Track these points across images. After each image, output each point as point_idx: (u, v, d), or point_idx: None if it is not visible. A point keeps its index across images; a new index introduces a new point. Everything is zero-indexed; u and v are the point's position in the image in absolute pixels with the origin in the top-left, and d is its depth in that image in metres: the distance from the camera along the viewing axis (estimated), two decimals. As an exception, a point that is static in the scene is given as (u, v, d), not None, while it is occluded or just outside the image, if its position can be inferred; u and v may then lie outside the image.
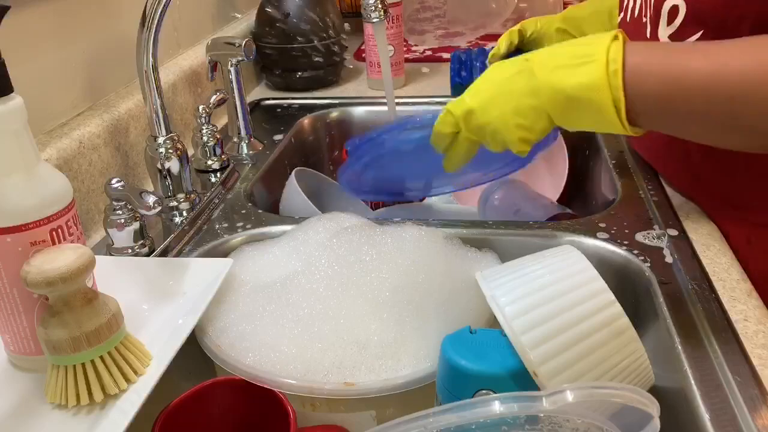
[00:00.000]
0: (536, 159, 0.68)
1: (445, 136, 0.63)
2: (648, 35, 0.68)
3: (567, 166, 0.94)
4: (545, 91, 0.57)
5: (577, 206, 0.95)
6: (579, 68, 0.55)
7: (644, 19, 0.68)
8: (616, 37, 0.55)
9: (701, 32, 0.61)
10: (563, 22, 0.91)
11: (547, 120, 0.58)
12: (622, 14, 0.76)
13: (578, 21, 0.91)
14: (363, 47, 1.26)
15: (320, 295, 0.59)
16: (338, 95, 1.16)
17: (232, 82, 0.93)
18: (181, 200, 0.78)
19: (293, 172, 0.87)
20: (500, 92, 0.59)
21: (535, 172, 0.94)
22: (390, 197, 0.87)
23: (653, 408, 0.39)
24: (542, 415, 0.39)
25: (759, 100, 0.52)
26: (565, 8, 1.52)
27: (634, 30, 0.71)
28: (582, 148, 0.98)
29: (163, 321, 0.57)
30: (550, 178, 0.97)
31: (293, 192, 0.84)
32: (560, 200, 0.91)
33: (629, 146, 0.86)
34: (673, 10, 0.63)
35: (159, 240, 0.72)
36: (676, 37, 0.63)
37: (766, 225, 0.66)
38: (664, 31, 0.65)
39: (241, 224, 0.75)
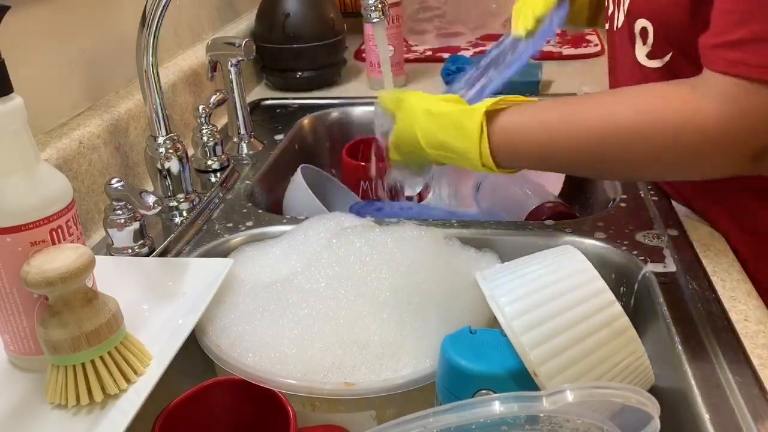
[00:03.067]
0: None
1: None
2: (630, 53, 0.69)
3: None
4: (422, 136, 0.67)
5: (577, 206, 0.95)
6: (460, 162, 0.65)
7: (626, 34, 0.70)
8: (481, 130, 0.62)
9: (671, 54, 0.63)
10: None
11: (426, 158, 0.69)
12: (608, 25, 0.77)
13: None
14: (363, 47, 1.26)
15: (320, 295, 0.59)
16: (338, 95, 1.16)
17: (232, 82, 0.93)
18: (181, 200, 0.78)
19: (299, 168, 0.87)
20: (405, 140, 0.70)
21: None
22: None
23: (653, 408, 0.39)
24: (542, 415, 0.39)
25: (616, 160, 0.59)
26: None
27: (619, 42, 0.73)
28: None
29: (163, 321, 0.57)
30: (548, 175, 0.97)
31: (299, 188, 0.84)
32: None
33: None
34: (643, 32, 0.65)
35: (159, 240, 0.72)
36: (653, 55, 0.65)
37: (765, 229, 0.66)
38: (641, 51, 0.67)
39: (241, 224, 0.75)
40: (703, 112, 0.53)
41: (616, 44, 0.75)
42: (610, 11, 0.75)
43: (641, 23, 0.65)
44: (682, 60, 0.62)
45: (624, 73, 0.74)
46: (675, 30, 0.61)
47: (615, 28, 0.74)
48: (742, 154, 0.54)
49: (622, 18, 0.70)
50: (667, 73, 0.64)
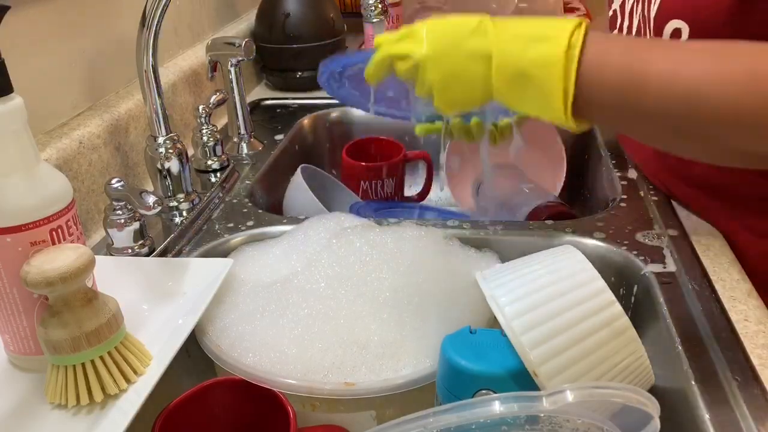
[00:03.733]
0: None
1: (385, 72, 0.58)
2: None
3: (565, 165, 0.95)
4: (497, 59, 0.53)
5: (577, 206, 0.95)
6: (538, 44, 0.52)
7: (648, 37, 0.67)
8: (579, 25, 0.52)
9: None
10: None
11: (487, 93, 0.54)
12: (615, 32, 0.74)
13: None
14: (363, 47, 1.26)
15: (320, 295, 0.59)
16: (338, 95, 1.16)
17: (232, 82, 0.93)
18: (181, 200, 0.78)
19: (299, 168, 0.87)
20: (449, 46, 0.54)
21: (533, 169, 0.94)
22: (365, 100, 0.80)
23: (653, 408, 0.39)
24: (542, 415, 0.39)
25: (712, 107, 0.49)
26: (565, 9, 1.53)
27: None
28: (582, 147, 0.98)
29: (163, 321, 0.57)
30: (548, 176, 0.97)
31: (299, 188, 0.84)
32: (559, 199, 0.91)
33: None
34: (675, 33, 0.61)
35: (159, 240, 0.72)
36: None
37: (765, 230, 0.66)
38: None
39: (241, 224, 0.75)
40: None
41: None
42: (617, 22, 0.73)
43: (674, 24, 0.61)
44: None
45: None
46: (713, 27, 0.58)
47: (629, 33, 0.71)
48: None
49: (636, 24, 0.68)
50: None
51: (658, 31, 0.63)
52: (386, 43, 0.57)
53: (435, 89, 0.55)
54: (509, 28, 0.53)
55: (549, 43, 0.52)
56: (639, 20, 0.69)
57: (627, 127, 0.58)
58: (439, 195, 1.06)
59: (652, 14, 0.65)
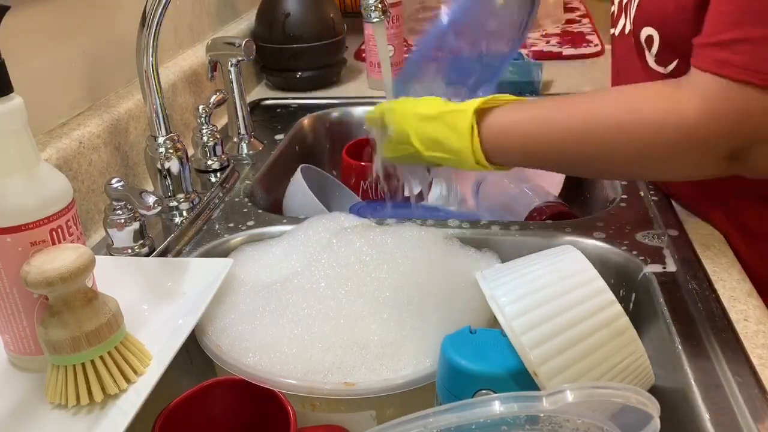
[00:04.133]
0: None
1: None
2: (638, 59, 0.69)
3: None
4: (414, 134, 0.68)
5: (577, 206, 0.95)
6: (455, 162, 0.66)
7: (632, 40, 0.69)
8: (471, 129, 0.63)
9: (677, 61, 0.63)
10: None
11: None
12: (617, 30, 0.76)
13: None
14: (363, 47, 1.26)
15: (320, 295, 0.59)
16: (338, 95, 1.16)
17: (232, 82, 0.93)
18: (181, 200, 0.78)
19: (299, 168, 0.87)
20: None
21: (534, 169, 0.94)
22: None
23: (653, 408, 0.39)
24: (542, 415, 0.39)
25: (596, 156, 0.60)
26: (565, 9, 1.53)
27: (625, 47, 0.72)
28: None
29: (163, 321, 0.57)
30: (548, 176, 0.97)
31: (299, 188, 0.84)
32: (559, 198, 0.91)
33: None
34: (649, 39, 0.65)
35: (159, 240, 0.72)
36: (659, 63, 0.65)
37: (765, 230, 0.66)
38: (650, 57, 0.66)
39: (241, 224, 0.75)
40: (684, 108, 0.54)
41: (622, 49, 0.74)
42: (620, 19, 0.75)
43: (647, 31, 0.65)
44: (686, 68, 0.62)
45: (630, 78, 0.73)
46: (680, 38, 0.60)
47: (620, 34, 0.74)
48: (719, 153, 0.55)
49: (628, 25, 0.70)
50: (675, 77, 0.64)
51: (636, 37, 0.67)
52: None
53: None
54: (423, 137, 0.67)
55: (454, 160, 0.66)
56: (628, 18, 0.70)
57: (540, 166, 0.70)
58: (439, 195, 1.06)
59: (631, 18, 0.68)
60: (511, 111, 0.65)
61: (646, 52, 0.66)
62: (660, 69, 0.66)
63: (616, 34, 0.75)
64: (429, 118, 0.67)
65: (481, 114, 0.64)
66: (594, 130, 0.59)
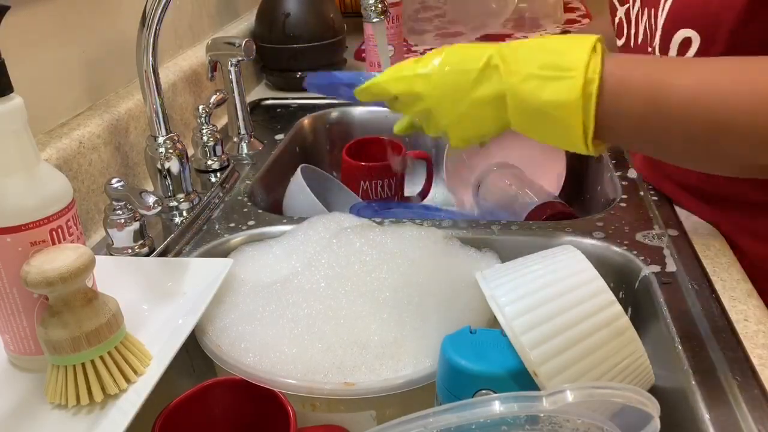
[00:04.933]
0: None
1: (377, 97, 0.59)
2: None
3: (565, 164, 0.95)
4: (512, 100, 0.52)
5: (577, 206, 0.95)
6: (553, 83, 0.50)
7: (649, 48, 0.65)
8: (594, 48, 0.51)
9: None
10: None
11: (503, 127, 0.54)
12: (623, 41, 0.73)
13: None
14: (363, 47, 1.26)
15: (320, 295, 0.59)
16: (338, 95, 1.16)
17: (232, 82, 0.93)
18: (181, 200, 0.78)
19: (299, 168, 0.87)
20: (459, 92, 0.54)
21: (533, 169, 0.94)
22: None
23: (653, 408, 0.39)
24: (542, 415, 0.39)
25: (740, 126, 0.49)
26: (565, 9, 1.53)
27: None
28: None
29: (163, 321, 0.57)
30: (548, 176, 0.97)
31: (299, 188, 0.84)
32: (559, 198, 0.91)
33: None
34: (685, 42, 0.59)
35: (159, 240, 0.72)
36: None
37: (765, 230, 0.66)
38: None
39: (241, 224, 0.75)
40: None
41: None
42: (624, 30, 0.71)
43: (683, 33, 0.59)
44: None
45: None
46: (725, 36, 0.56)
47: (632, 45, 0.69)
48: None
49: (642, 33, 0.65)
50: None
51: (666, 40, 0.61)
52: (391, 80, 0.57)
53: (449, 130, 0.56)
54: (521, 65, 0.52)
55: (565, 81, 0.50)
56: (645, 28, 0.67)
57: (649, 149, 0.58)
58: (439, 195, 1.06)
59: (660, 23, 0.62)
60: (632, 62, 0.52)
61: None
62: None
63: (631, 45, 0.70)
64: (520, 45, 0.53)
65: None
66: (744, 96, 0.48)
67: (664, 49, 0.62)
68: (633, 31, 0.70)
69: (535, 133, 0.54)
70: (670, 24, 0.61)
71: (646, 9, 0.66)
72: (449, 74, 0.54)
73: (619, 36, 0.74)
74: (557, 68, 0.51)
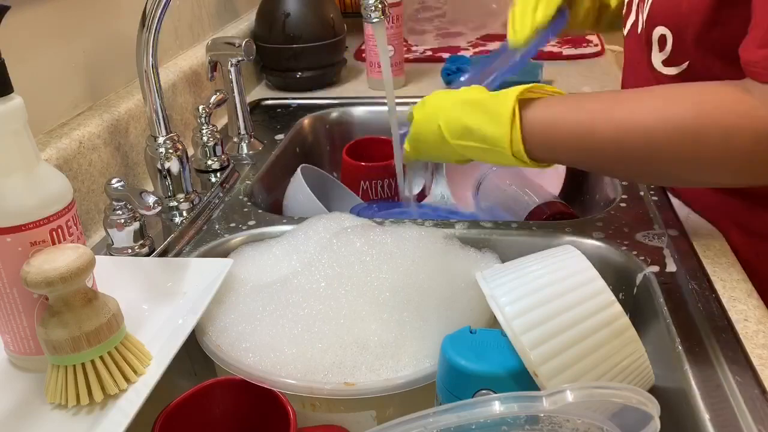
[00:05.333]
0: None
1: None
2: (645, 59, 0.67)
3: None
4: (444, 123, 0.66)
5: (577, 206, 0.95)
6: (486, 153, 0.63)
7: (643, 40, 0.68)
8: (513, 115, 0.60)
9: (688, 63, 0.62)
10: None
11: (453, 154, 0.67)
12: (626, 29, 0.75)
13: None
14: (363, 47, 1.26)
15: (320, 295, 0.59)
16: (338, 95, 1.16)
17: (232, 82, 0.93)
18: (181, 200, 0.78)
19: (299, 168, 0.87)
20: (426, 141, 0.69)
21: (533, 169, 0.94)
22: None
23: (653, 408, 0.39)
24: (542, 415, 0.39)
25: (664, 159, 0.55)
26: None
27: (636, 48, 0.71)
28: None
29: (163, 321, 0.57)
30: (548, 176, 0.97)
31: (299, 188, 0.84)
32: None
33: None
34: (662, 39, 0.63)
35: (159, 240, 0.72)
36: (669, 63, 0.64)
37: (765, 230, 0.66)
38: (657, 57, 0.65)
39: (241, 224, 0.75)
40: (757, 115, 0.51)
41: (631, 49, 0.73)
42: (629, 18, 0.74)
43: (660, 30, 0.63)
44: (698, 69, 0.61)
45: (636, 78, 0.73)
46: (693, 38, 0.59)
47: (630, 33, 0.73)
48: None
49: (640, 24, 0.68)
50: (682, 82, 0.63)
51: (648, 34, 0.65)
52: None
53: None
54: (456, 136, 0.65)
55: (494, 153, 0.62)
56: (638, 18, 0.69)
57: (587, 166, 0.67)
58: (439, 195, 1.06)
59: (644, 17, 0.66)
60: (562, 102, 0.61)
61: (656, 53, 0.65)
62: (668, 71, 0.64)
63: (626, 33, 0.74)
64: (464, 102, 0.64)
65: (523, 103, 0.61)
66: (660, 131, 0.54)
67: (648, 43, 0.66)
68: (633, 19, 0.72)
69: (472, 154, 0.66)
70: (650, 20, 0.65)
71: (642, 2, 0.69)
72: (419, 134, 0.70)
73: (623, 24, 0.76)
74: (486, 140, 0.62)
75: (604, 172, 0.68)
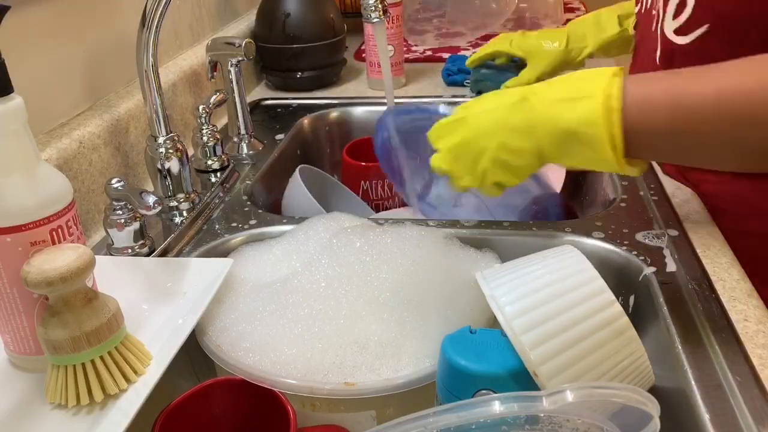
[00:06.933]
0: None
1: None
2: (653, 27, 0.67)
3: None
4: (542, 124, 0.56)
5: (577, 206, 0.95)
6: (577, 103, 0.55)
7: (654, 12, 0.68)
8: (615, 74, 0.55)
9: (705, 27, 0.61)
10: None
11: (536, 159, 0.58)
12: (639, 6, 0.75)
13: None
14: (363, 47, 1.26)
15: (320, 295, 0.59)
16: (338, 95, 1.16)
17: (232, 82, 0.93)
18: (181, 200, 0.78)
19: (297, 169, 0.87)
20: (495, 124, 0.59)
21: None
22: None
23: (653, 408, 0.39)
24: (542, 415, 0.39)
25: (764, 122, 0.51)
26: (565, 9, 1.53)
27: (646, 22, 0.71)
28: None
29: (163, 321, 0.57)
30: (547, 175, 0.97)
31: (297, 189, 0.84)
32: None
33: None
34: (681, 4, 0.62)
35: (159, 240, 0.72)
36: (682, 31, 0.63)
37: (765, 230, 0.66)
38: (669, 25, 0.64)
39: (241, 224, 0.75)
40: None
41: (643, 24, 0.73)
42: None
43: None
44: (713, 38, 0.60)
45: (644, 53, 0.72)
46: (722, 5, 0.58)
47: (643, 10, 0.73)
48: None
49: None
50: (693, 51, 0.63)
51: (666, 1, 0.64)
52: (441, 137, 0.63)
53: (486, 170, 0.61)
54: (548, 94, 0.57)
55: (587, 100, 0.54)
56: None
57: (681, 158, 0.61)
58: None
59: None
60: (652, 76, 0.56)
61: (668, 21, 0.64)
62: (679, 40, 0.63)
63: (642, 11, 0.74)
64: (547, 85, 0.58)
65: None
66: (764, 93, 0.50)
67: (663, 10, 0.65)
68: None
69: (568, 158, 0.57)
70: None
71: None
72: (484, 112, 0.61)
73: (637, 2, 0.76)
74: (580, 91, 0.55)
75: (698, 151, 0.57)
